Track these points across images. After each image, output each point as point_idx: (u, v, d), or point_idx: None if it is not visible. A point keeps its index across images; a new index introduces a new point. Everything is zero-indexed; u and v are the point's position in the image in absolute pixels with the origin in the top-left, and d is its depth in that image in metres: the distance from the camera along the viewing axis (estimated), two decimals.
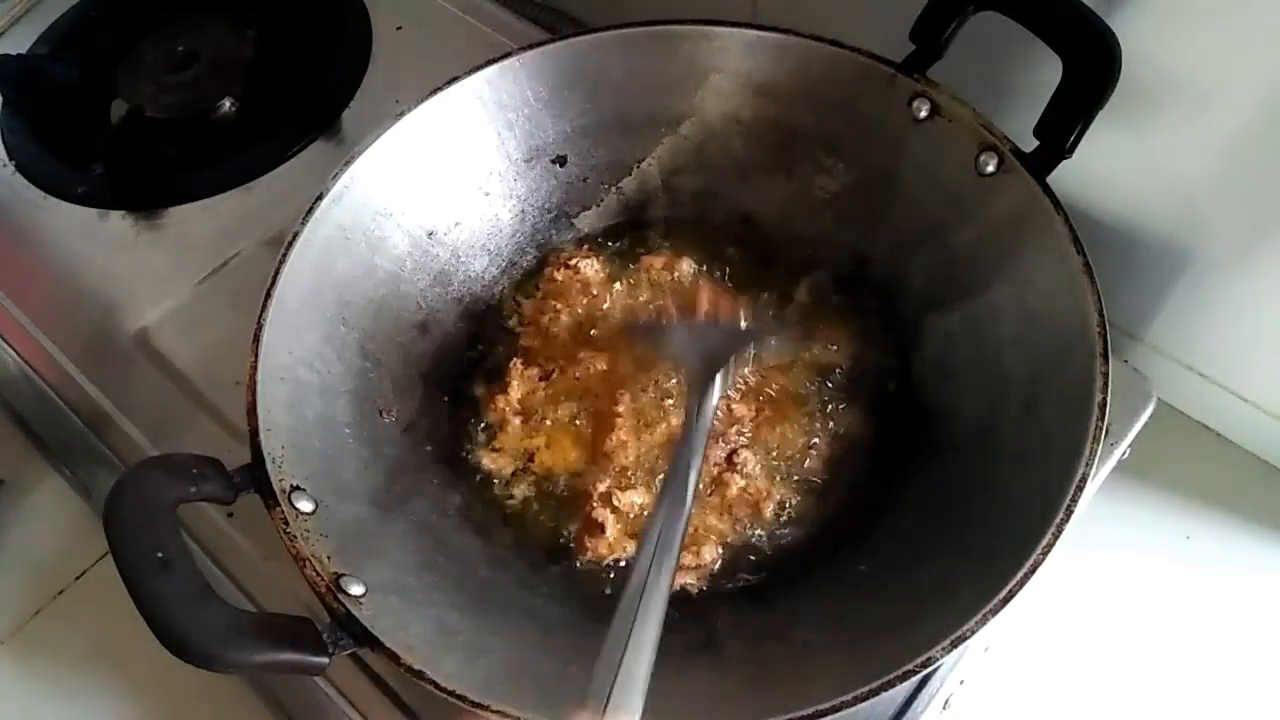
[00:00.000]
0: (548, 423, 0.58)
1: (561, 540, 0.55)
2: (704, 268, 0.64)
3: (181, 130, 0.79)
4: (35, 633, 0.64)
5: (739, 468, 0.55)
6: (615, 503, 0.54)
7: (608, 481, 0.55)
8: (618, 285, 0.63)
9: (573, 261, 0.63)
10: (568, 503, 0.56)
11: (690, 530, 0.54)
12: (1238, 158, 0.53)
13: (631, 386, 0.58)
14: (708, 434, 0.51)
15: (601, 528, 0.54)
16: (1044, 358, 0.50)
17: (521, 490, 0.57)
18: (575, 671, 0.47)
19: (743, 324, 0.58)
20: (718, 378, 0.53)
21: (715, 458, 0.56)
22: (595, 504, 0.55)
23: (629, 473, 0.56)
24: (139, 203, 0.75)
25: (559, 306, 0.62)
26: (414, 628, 0.45)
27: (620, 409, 0.57)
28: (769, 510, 0.54)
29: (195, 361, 0.67)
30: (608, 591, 0.53)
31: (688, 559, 0.53)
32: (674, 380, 0.58)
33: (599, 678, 0.38)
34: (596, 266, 0.63)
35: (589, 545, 0.54)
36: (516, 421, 0.58)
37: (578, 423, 0.58)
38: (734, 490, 0.55)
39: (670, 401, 0.58)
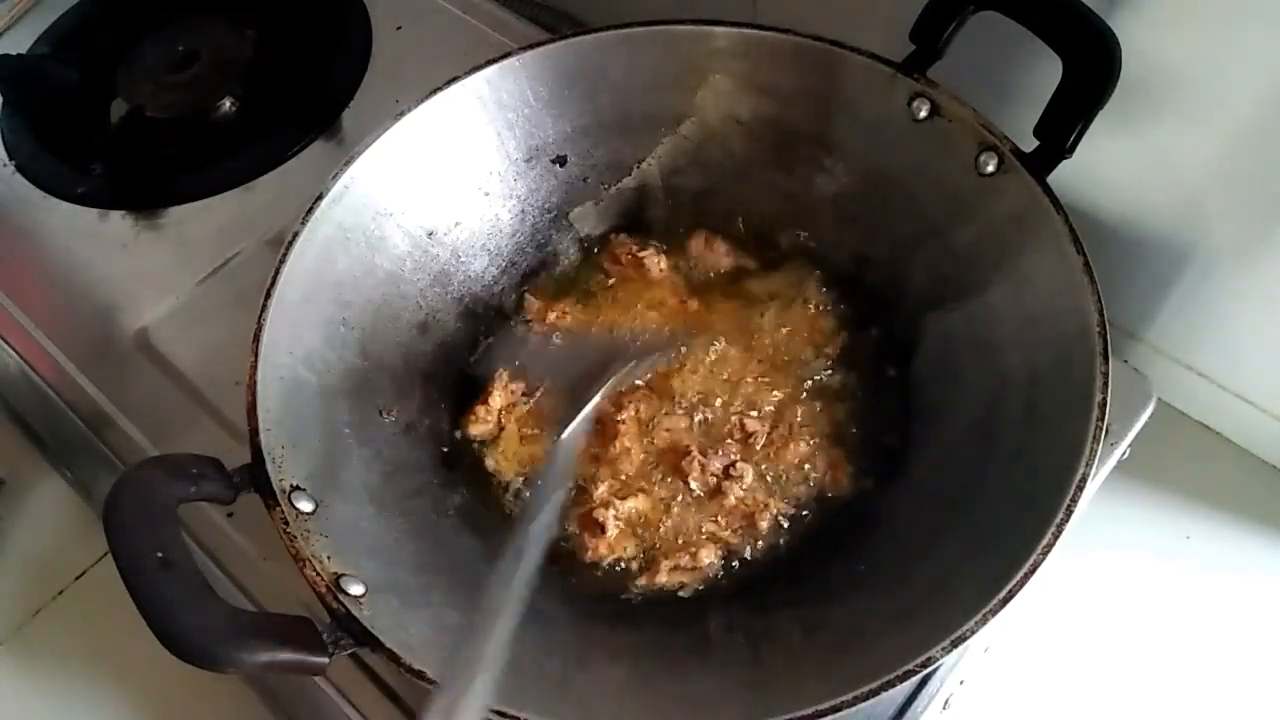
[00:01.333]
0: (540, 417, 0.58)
1: (562, 541, 0.55)
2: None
3: (181, 130, 0.79)
4: (35, 633, 0.64)
5: (737, 479, 0.55)
6: (616, 507, 0.54)
7: (608, 483, 0.55)
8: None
9: (640, 254, 0.63)
10: (568, 503, 0.56)
11: (689, 533, 0.54)
12: (1237, 157, 0.53)
13: (634, 394, 0.58)
14: (572, 467, 0.50)
15: (602, 528, 0.54)
16: (1044, 358, 0.50)
17: (522, 490, 0.57)
18: (575, 672, 0.47)
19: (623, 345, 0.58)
20: (590, 403, 0.52)
21: (714, 467, 0.55)
22: (596, 504, 0.55)
23: (630, 479, 0.56)
24: (139, 203, 0.75)
25: (566, 311, 0.62)
26: (414, 628, 0.45)
27: (623, 417, 0.57)
28: (764, 522, 0.54)
29: (195, 361, 0.67)
30: (622, 596, 0.53)
31: (685, 560, 0.53)
32: (683, 391, 0.59)
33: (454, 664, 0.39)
34: (663, 265, 0.63)
35: (589, 545, 0.54)
36: (515, 424, 0.58)
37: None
38: (731, 500, 0.55)
39: (678, 410, 0.58)
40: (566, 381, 0.55)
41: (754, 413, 0.57)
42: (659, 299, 0.62)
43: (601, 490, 0.55)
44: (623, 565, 0.54)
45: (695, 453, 0.56)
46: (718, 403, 0.58)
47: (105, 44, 0.84)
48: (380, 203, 0.58)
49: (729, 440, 0.56)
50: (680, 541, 0.54)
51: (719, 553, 0.54)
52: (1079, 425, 0.45)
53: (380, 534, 0.50)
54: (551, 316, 0.62)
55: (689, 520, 0.55)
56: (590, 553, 0.54)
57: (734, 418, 0.57)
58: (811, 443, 0.56)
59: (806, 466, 0.56)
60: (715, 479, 0.55)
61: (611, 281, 0.64)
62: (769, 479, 0.56)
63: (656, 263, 0.63)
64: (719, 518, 0.55)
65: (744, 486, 0.55)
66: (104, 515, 0.42)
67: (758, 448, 0.56)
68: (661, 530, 0.55)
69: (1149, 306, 0.62)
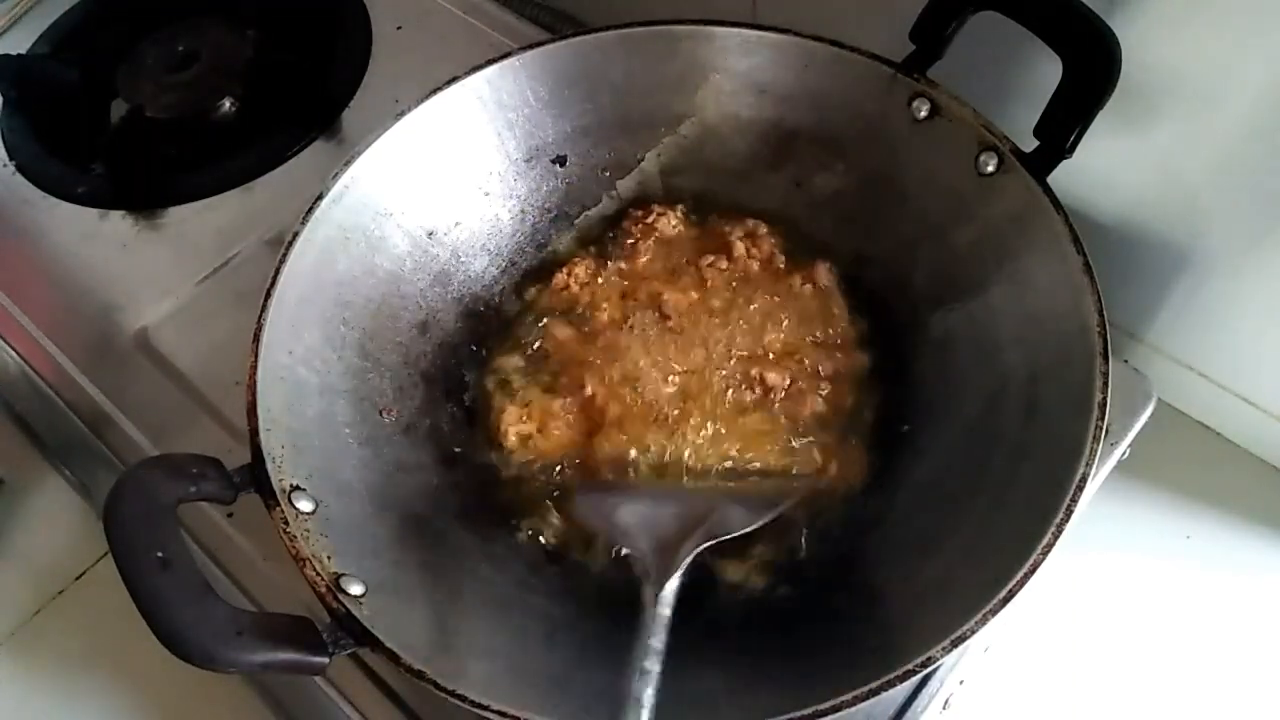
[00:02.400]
0: (548, 420, 0.58)
1: (562, 541, 0.55)
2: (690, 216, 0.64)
3: (181, 130, 0.79)
4: (35, 633, 0.64)
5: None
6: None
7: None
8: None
9: (650, 220, 0.62)
10: (568, 496, 0.56)
11: None
12: (1238, 157, 0.53)
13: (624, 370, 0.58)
14: (665, 636, 0.45)
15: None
16: (1044, 358, 0.50)
17: (522, 489, 0.57)
18: (575, 672, 0.47)
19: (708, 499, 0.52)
20: (678, 571, 0.46)
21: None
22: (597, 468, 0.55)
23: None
24: (139, 203, 0.75)
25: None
26: (414, 628, 0.45)
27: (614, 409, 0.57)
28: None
29: (195, 361, 0.67)
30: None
31: None
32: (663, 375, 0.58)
33: None
34: (675, 221, 0.63)
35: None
36: (515, 420, 0.59)
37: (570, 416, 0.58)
38: None
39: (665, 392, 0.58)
40: (651, 538, 0.50)
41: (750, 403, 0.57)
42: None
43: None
44: (625, 554, 0.54)
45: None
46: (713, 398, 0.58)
47: (105, 44, 0.84)
48: (380, 203, 0.58)
49: None
50: None
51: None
52: (1079, 425, 0.45)
53: (380, 534, 0.50)
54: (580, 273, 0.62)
55: None
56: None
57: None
58: (812, 439, 0.56)
59: (807, 460, 0.56)
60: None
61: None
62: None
63: (669, 223, 0.63)
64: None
65: None
66: (104, 515, 0.42)
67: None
68: None
69: (1149, 306, 0.62)
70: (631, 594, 0.53)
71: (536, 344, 0.61)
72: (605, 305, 0.61)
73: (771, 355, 0.58)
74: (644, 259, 0.62)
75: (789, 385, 0.57)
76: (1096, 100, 0.48)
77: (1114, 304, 0.48)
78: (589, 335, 0.60)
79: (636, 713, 0.42)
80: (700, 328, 0.59)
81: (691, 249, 0.62)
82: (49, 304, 0.72)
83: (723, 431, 0.56)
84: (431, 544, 0.52)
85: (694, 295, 0.60)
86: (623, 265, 0.62)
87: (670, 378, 0.57)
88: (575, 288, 0.62)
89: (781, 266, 0.61)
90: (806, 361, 0.58)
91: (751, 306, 0.59)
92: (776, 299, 0.60)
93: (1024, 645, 0.58)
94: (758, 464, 0.55)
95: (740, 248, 0.61)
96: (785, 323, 0.59)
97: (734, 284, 0.61)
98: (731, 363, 0.58)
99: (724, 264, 0.61)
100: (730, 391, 0.57)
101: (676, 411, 0.56)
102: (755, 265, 0.61)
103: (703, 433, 0.56)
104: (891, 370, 0.59)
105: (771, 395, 0.56)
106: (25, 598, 0.65)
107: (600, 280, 0.62)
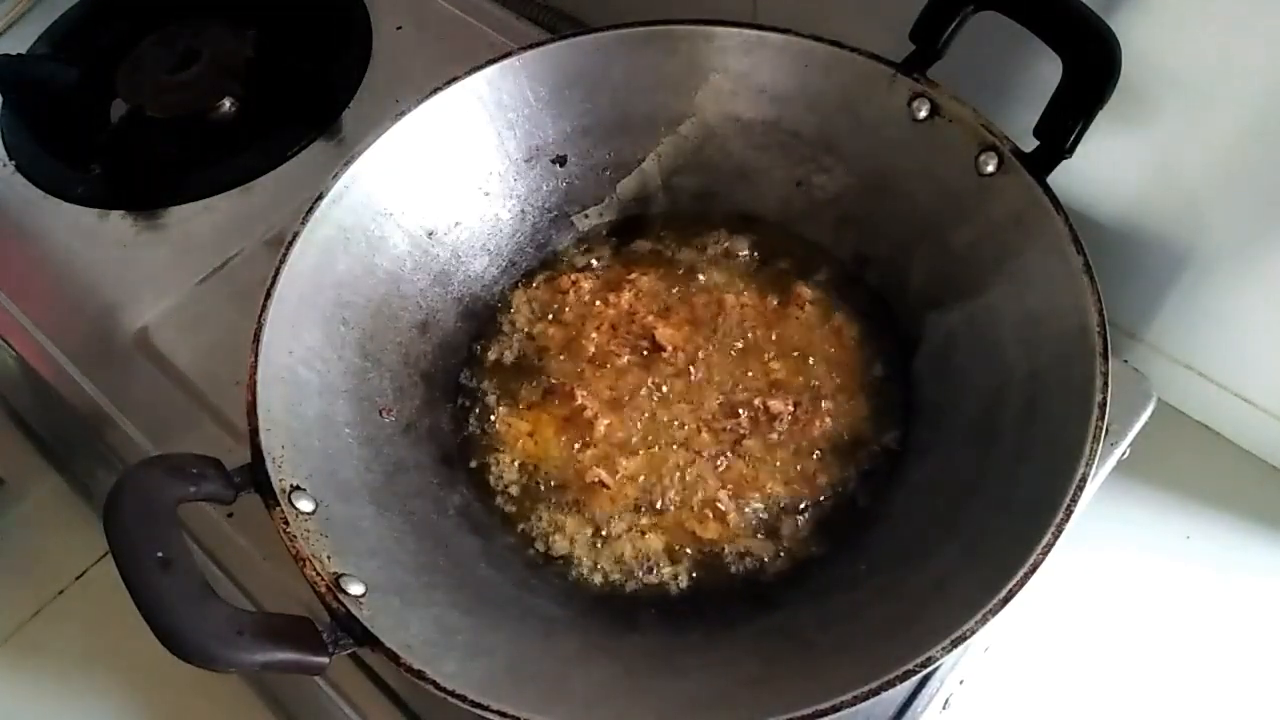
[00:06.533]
0: (540, 418, 0.59)
1: (561, 540, 0.55)
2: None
3: (181, 130, 0.79)
4: (35, 633, 0.64)
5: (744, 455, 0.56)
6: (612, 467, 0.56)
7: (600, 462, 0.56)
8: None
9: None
10: (566, 498, 0.56)
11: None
12: (1238, 157, 0.53)
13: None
14: None
15: (603, 484, 0.55)
16: (1044, 357, 0.50)
17: (521, 489, 0.57)
18: (575, 672, 0.47)
19: None
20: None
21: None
22: (588, 467, 0.56)
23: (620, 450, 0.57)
24: (139, 203, 0.75)
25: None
26: (414, 628, 0.45)
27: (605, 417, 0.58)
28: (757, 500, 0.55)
29: (195, 361, 0.67)
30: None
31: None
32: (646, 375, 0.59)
33: None
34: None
35: (595, 508, 0.55)
36: (514, 421, 0.59)
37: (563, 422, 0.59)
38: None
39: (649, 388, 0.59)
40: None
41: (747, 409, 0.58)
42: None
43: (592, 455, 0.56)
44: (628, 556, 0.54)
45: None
46: (711, 398, 0.58)
47: (105, 44, 0.84)
48: (380, 203, 0.58)
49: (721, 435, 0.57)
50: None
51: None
52: (1079, 425, 0.45)
53: (380, 534, 0.50)
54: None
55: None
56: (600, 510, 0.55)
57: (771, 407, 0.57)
58: (813, 439, 0.56)
59: (808, 460, 0.56)
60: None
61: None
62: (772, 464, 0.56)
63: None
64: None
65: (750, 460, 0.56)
66: (104, 515, 0.42)
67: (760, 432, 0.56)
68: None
69: (1149, 306, 0.62)
70: (631, 594, 0.53)
71: (535, 346, 0.61)
72: (596, 333, 0.61)
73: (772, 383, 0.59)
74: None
75: (794, 410, 0.57)
76: (1096, 100, 0.48)
77: (1114, 304, 0.48)
78: (584, 349, 0.60)
79: None
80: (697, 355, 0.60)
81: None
82: (49, 304, 0.72)
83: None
84: (431, 544, 0.52)
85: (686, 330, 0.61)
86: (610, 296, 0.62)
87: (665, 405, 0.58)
88: (575, 297, 0.62)
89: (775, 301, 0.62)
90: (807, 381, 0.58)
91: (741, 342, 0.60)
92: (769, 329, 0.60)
93: (1024, 645, 0.58)
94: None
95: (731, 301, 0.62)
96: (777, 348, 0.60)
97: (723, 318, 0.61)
98: (730, 390, 0.59)
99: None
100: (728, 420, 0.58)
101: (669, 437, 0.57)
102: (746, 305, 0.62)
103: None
104: (893, 371, 0.59)
105: (776, 423, 0.57)
106: (25, 598, 0.65)
107: (596, 303, 0.62)
